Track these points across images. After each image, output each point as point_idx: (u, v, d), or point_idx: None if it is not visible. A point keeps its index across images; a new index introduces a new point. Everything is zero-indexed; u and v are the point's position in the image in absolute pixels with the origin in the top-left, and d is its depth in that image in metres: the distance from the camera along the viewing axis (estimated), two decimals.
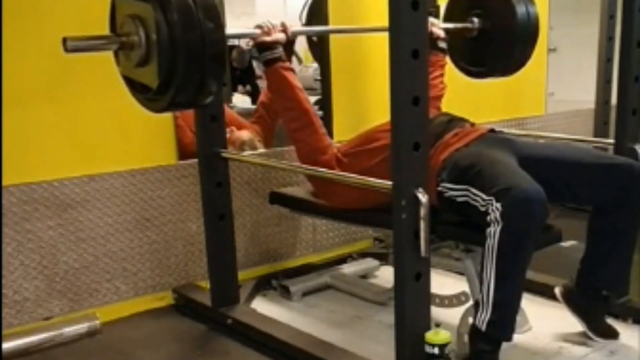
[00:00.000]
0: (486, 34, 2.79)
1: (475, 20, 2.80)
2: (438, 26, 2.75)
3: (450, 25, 2.82)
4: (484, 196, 1.93)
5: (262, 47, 2.28)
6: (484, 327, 1.92)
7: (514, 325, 1.96)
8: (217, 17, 1.87)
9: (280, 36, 2.29)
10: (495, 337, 1.95)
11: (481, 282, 1.94)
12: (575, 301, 2.29)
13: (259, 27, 2.28)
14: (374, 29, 2.60)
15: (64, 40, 1.82)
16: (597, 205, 2.17)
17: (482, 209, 1.93)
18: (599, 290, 2.23)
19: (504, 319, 1.94)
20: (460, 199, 2.04)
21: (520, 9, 2.70)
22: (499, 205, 1.87)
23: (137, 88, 2.00)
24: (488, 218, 1.89)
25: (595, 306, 2.27)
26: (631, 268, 2.23)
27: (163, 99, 1.92)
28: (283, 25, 2.32)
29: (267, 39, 2.26)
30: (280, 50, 2.30)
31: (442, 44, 2.77)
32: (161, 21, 1.81)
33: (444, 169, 2.12)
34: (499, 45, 2.77)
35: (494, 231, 1.88)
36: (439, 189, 2.09)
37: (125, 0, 1.92)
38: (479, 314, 1.94)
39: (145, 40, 1.85)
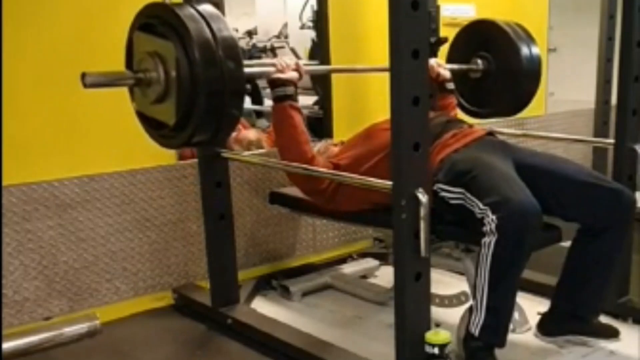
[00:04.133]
0: (490, 75, 2.79)
1: (479, 61, 2.80)
2: (444, 67, 2.72)
3: (455, 66, 2.81)
4: (480, 205, 1.94)
5: (275, 84, 2.28)
6: (477, 332, 1.95)
7: (507, 331, 1.99)
8: (237, 55, 1.86)
9: (294, 75, 2.29)
10: (488, 341, 1.97)
11: (475, 288, 1.96)
12: (556, 328, 2.27)
13: (273, 64, 2.29)
14: (376, 69, 2.57)
15: (83, 75, 1.84)
16: (583, 225, 2.16)
17: (479, 216, 1.94)
18: (577, 313, 2.22)
19: (497, 325, 1.96)
20: (454, 202, 2.04)
21: (524, 51, 2.71)
22: (494, 217, 1.88)
23: (151, 124, 1.99)
24: (484, 229, 1.90)
25: (577, 325, 2.25)
26: (629, 271, 2.23)
27: (180, 136, 1.91)
28: (297, 64, 2.32)
29: (282, 76, 2.26)
30: (292, 89, 2.29)
31: (450, 86, 2.76)
32: (182, 59, 1.79)
33: (440, 169, 2.11)
34: (504, 86, 2.77)
35: (489, 242, 1.89)
36: (434, 188, 2.08)
37: (144, 37, 1.91)
38: (472, 318, 1.96)
39: (165, 77, 1.84)
